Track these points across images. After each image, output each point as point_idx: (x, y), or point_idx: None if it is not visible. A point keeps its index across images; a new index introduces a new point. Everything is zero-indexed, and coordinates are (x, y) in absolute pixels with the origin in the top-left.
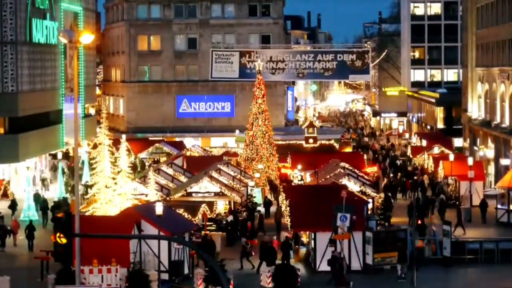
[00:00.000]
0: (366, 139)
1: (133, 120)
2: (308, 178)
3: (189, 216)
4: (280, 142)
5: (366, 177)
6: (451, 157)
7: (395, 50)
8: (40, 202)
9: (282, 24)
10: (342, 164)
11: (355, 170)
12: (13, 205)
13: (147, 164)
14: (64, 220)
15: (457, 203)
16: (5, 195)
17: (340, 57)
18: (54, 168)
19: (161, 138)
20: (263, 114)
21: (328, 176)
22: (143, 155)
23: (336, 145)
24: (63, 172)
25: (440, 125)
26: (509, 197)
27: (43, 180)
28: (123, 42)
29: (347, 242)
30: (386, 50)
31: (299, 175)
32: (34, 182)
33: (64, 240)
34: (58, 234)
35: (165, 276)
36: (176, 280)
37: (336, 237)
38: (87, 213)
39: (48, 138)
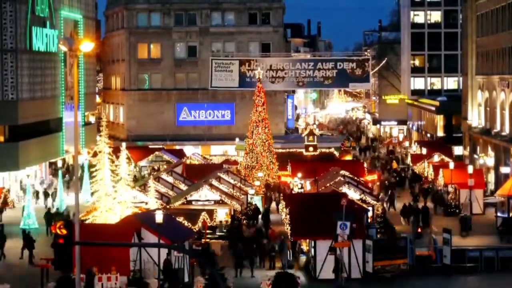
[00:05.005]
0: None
1: (133, 128)
2: (308, 186)
3: (189, 224)
4: (280, 150)
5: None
6: (451, 165)
7: (395, 58)
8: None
9: (282, 32)
10: (342, 172)
11: (355, 178)
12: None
13: (146, 172)
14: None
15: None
16: (5, 203)
17: (340, 65)
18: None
19: (161, 146)
20: (263, 122)
21: (328, 184)
22: (143, 163)
23: (336, 153)
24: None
25: (440, 133)
26: (509, 205)
27: (45, 191)
28: (123, 50)
29: (347, 250)
30: (386, 58)
31: (299, 183)
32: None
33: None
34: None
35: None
36: None
37: (336, 245)
38: (87, 221)
39: (48, 146)
